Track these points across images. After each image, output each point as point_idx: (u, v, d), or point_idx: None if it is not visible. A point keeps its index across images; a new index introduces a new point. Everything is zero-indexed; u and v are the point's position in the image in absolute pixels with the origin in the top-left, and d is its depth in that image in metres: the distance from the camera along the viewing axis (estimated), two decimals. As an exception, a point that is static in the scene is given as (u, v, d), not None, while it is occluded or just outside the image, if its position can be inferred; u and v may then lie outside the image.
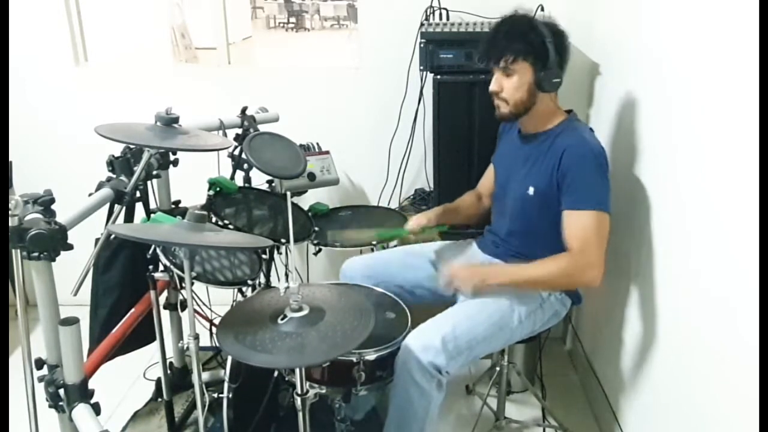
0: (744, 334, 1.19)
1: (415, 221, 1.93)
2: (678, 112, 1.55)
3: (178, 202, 2.01)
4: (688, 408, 1.48)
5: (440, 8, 2.33)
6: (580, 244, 1.58)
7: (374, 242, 2.05)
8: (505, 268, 1.76)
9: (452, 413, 2.20)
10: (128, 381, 2.34)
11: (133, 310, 1.75)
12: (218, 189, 1.97)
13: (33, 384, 1.34)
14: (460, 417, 2.19)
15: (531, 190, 1.72)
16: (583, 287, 1.82)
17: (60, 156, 2.63)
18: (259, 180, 2.16)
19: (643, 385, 1.78)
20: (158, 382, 2.07)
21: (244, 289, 1.78)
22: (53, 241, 1.24)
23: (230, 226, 1.83)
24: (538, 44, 1.62)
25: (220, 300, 2.09)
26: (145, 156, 1.62)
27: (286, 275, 2.22)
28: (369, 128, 2.58)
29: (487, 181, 2.03)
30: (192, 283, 1.38)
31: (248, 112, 2.14)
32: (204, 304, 2.07)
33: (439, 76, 2.17)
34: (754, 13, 1.15)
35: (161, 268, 1.63)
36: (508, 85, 1.67)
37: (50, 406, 1.37)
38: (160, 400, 2.04)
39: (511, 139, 1.86)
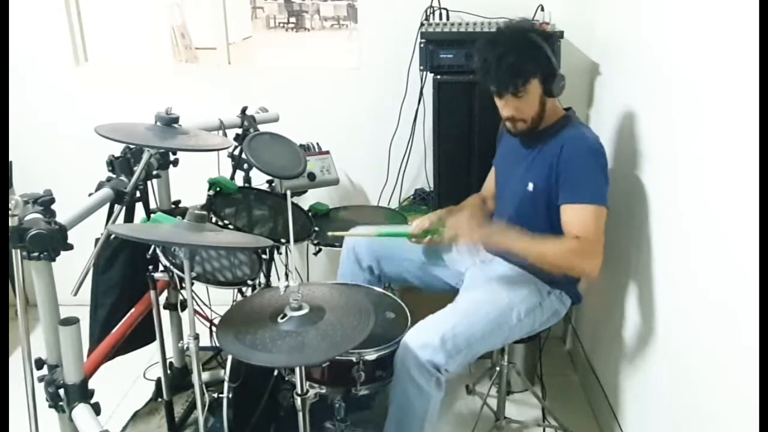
0: (744, 333, 1.19)
1: (418, 225, 1.84)
2: (678, 111, 1.55)
3: (178, 202, 2.01)
4: (688, 407, 1.48)
5: (440, 8, 2.33)
6: (581, 235, 1.59)
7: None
8: (513, 235, 1.66)
9: (452, 413, 2.20)
10: (128, 381, 2.34)
11: (133, 310, 1.75)
12: (218, 189, 1.97)
13: (33, 384, 1.34)
14: (460, 417, 2.19)
15: (530, 187, 1.72)
16: (582, 276, 1.80)
17: (60, 156, 2.63)
18: (259, 180, 2.16)
19: (643, 385, 1.78)
20: (158, 382, 2.06)
21: (244, 289, 1.78)
22: (53, 241, 1.24)
23: (230, 226, 1.83)
24: (540, 59, 1.61)
25: (220, 300, 2.09)
26: (145, 156, 1.62)
27: (286, 275, 2.21)
28: (369, 128, 2.58)
29: (490, 183, 2.03)
30: (192, 283, 1.38)
31: (248, 112, 2.14)
32: (204, 304, 2.06)
33: (439, 76, 2.17)
34: (754, 13, 1.15)
35: (161, 268, 1.63)
36: (523, 106, 1.65)
37: (50, 406, 1.37)
38: (160, 400, 2.04)
39: (510, 139, 1.86)
